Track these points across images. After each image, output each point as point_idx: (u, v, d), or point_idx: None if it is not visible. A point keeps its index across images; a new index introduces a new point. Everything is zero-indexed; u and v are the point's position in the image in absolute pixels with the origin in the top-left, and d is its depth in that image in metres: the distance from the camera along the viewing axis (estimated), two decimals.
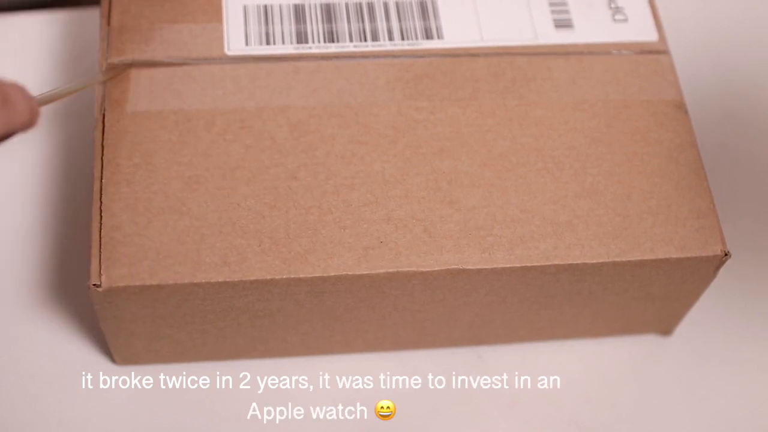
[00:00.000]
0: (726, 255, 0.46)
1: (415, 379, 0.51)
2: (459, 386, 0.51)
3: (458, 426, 0.50)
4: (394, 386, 0.50)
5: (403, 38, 0.50)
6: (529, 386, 0.51)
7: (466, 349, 0.52)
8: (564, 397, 0.51)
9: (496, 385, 0.51)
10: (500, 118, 0.49)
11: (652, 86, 0.50)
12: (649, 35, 0.52)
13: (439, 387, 0.51)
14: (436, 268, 0.45)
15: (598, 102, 0.50)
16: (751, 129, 0.60)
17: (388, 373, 0.51)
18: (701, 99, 0.60)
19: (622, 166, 0.48)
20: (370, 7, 0.51)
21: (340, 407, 0.50)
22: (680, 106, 0.50)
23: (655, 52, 0.51)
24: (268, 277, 0.44)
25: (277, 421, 0.49)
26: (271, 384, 0.50)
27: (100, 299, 0.44)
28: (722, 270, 0.47)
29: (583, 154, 0.48)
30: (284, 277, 0.44)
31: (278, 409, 0.50)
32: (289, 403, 0.50)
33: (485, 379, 0.51)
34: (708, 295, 0.50)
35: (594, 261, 0.46)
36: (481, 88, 0.49)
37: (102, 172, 0.45)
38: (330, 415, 0.50)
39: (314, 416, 0.49)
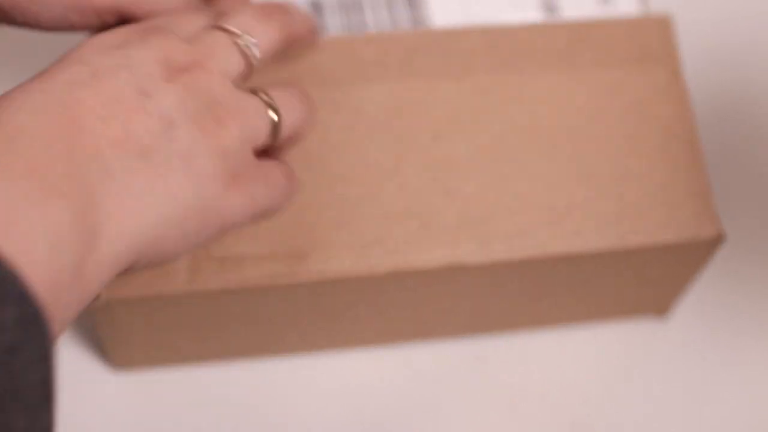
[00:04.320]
0: (721, 237, 0.47)
1: (415, 379, 0.51)
2: (459, 386, 0.51)
3: (458, 426, 0.50)
4: (393, 386, 0.51)
5: (393, 29, 0.49)
6: (528, 385, 0.51)
7: (466, 349, 0.52)
8: (564, 397, 0.51)
9: (496, 384, 0.51)
10: (496, 96, 0.47)
11: (650, 51, 0.49)
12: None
13: (439, 387, 0.51)
14: (434, 265, 0.45)
15: (595, 72, 0.48)
16: (751, 129, 0.58)
17: (388, 373, 0.51)
18: (702, 99, 0.58)
19: (618, 145, 0.47)
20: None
21: (340, 407, 0.50)
22: (676, 73, 0.49)
23: (653, 17, 0.50)
24: (267, 283, 0.44)
25: (277, 421, 0.50)
26: (271, 383, 0.50)
27: (98, 310, 0.43)
28: (722, 266, 0.46)
29: (579, 134, 0.47)
30: (282, 282, 0.44)
31: (278, 408, 0.50)
32: (289, 403, 0.50)
33: (485, 379, 0.51)
34: (709, 292, 0.51)
35: (592, 249, 0.46)
36: (476, 61, 0.48)
37: None
38: (330, 415, 0.50)
39: (315, 415, 0.50)
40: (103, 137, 0.30)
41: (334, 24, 0.49)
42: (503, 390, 0.51)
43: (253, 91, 0.38)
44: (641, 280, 0.49)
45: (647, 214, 0.46)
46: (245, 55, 0.37)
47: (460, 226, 0.45)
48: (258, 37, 0.38)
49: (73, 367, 0.50)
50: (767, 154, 0.57)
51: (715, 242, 0.47)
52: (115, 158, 0.30)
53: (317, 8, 0.49)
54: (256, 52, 0.38)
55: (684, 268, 0.48)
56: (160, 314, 0.44)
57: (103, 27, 0.39)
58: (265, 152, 0.39)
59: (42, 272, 0.27)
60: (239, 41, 0.37)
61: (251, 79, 0.39)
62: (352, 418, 0.50)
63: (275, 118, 0.37)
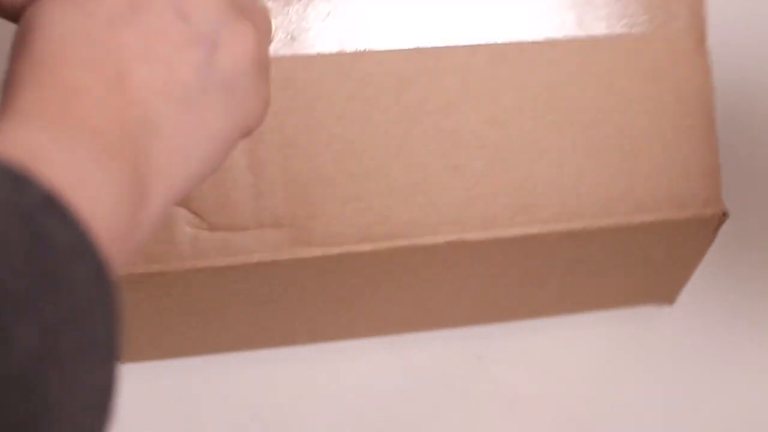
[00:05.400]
0: (724, 215, 0.46)
1: (415, 378, 0.51)
2: (459, 385, 0.51)
3: (458, 424, 0.51)
4: (394, 385, 0.51)
5: None
6: (528, 382, 0.51)
7: (466, 348, 0.52)
8: (564, 394, 0.51)
9: (496, 383, 0.51)
10: (512, 64, 0.46)
11: (676, 17, 0.47)
12: None
13: (439, 385, 0.51)
14: (438, 241, 0.44)
15: (613, 39, 0.47)
16: (750, 130, 0.57)
17: (388, 371, 0.51)
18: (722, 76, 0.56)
19: (631, 117, 0.46)
20: None
21: (341, 405, 0.50)
22: (700, 42, 0.47)
23: None
24: (270, 259, 0.43)
25: (277, 416, 0.50)
26: (272, 378, 0.50)
27: None
28: (726, 258, 0.46)
29: (593, 105, 0.46)
30: (287, 258, 0.43)
31: (278, 404, 0.50)
32: (289, 399, 0.50)
33: (485, 378, 0.51)
34: (712, 284, 0.51)
35: (596, 226, 0.45)
36: (491, 28, 0.46)
37: None
38: (330, 412, 0.50)
39: (315, 412, 0.50)
40: (148, 88, 0.32)
41: None
42: (503, 389, 0.51)
43: None
44: (645, 260, 0.49)
45: (654, 190, 0.46)
46: None
47: (466, 204, 0.45)
48: None
49: None
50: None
51: (718, 220, 0.47)
52: (161, 106, 0.33)
53: None
54: None
55: (688, 249, 0.48)
56: (163, 295, 0.44)
57: None
58: None
59: (106, 229, 0.30)
60: None
61: None
62: (353, 417, 0.50)
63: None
